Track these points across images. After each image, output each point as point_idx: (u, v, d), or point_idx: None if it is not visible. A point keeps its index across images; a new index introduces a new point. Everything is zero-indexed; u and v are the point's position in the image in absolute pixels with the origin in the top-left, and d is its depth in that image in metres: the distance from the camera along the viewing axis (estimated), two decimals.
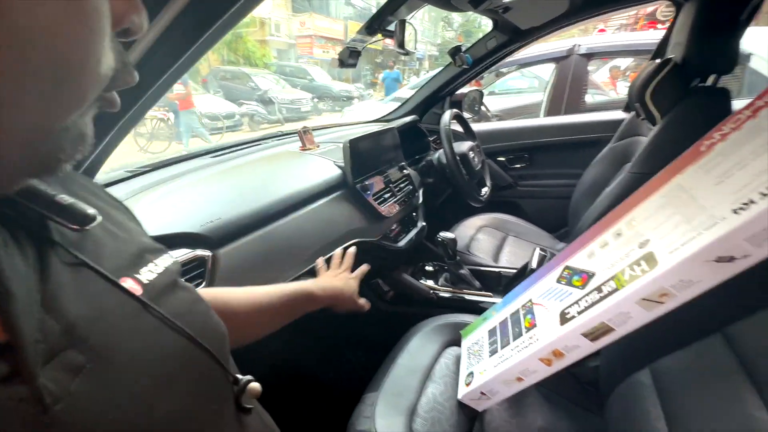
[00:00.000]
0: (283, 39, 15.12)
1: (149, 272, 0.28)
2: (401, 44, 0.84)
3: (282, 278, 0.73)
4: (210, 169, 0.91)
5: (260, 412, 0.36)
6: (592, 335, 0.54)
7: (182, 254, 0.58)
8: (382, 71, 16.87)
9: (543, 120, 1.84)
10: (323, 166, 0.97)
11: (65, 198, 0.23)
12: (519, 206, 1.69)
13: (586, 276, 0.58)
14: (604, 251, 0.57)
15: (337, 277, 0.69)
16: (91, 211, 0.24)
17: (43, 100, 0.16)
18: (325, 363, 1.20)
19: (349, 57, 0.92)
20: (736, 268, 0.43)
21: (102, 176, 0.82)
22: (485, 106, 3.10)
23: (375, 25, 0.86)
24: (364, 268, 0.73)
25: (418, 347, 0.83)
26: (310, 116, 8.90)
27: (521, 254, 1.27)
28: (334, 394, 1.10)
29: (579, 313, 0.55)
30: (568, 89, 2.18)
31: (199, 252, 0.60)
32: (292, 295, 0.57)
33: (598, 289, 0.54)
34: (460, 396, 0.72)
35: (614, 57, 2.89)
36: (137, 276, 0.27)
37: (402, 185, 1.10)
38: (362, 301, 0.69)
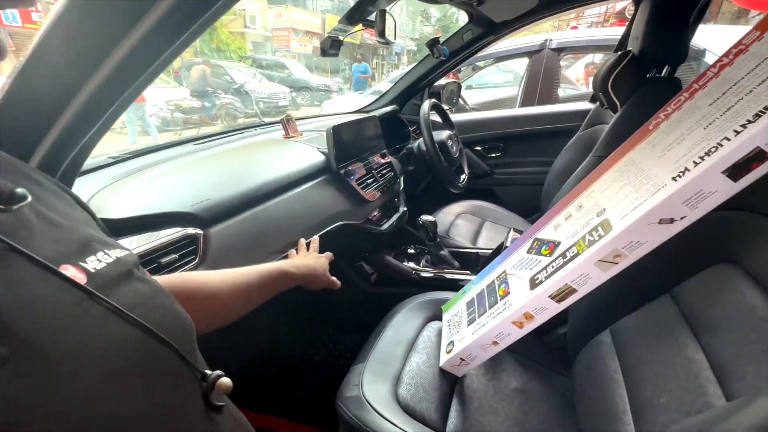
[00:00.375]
0: (259, 31, 14.77)
1: (97, 261, 0.26)
2: (381, 33, 0.88)
3: (270, 257, 0.76)
4: (195, 155, 0.92)
5: (233, 409, 0.34)
6: (558, 297, 0.60)
7: (174, 232, 0.60)
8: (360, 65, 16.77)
9: (517, 111, 1.92)
10: (307, 152, 0.99)
11: None
12: (495, 193, 1.77)
13: (553, 245, 0.64)
14: (568, 222, 0.64)
15: (308, 256, 0.73)
16: (19, 190, 0.23)
17: None
18: (315, 345, 1.24)
19: (331, 46, 0.94)
20: (675, 228, 0.49)
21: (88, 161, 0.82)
22: (463, 100, 3.18)
23: (356, 14, 0.89)
24: (329, 254, 0.78)
25: (402, 322, 0.88)
26: (288, 110, 8.76)
27: (497, 238, 1.34)
28: (326, 374, 1.14)
29: (546, 277, 0.60)
30: (541, 82, 2.28)
31: (191, 230, 0.62)
32: (269, 274, 0.59)
33: (563, 255, 0.60)
34: (441, 363, 0.77)
35: (583, 52, 3.01)
36: (82, 264, 0.25)
37: (384, 172, 1.15)
38: (334, 278, 0.74)
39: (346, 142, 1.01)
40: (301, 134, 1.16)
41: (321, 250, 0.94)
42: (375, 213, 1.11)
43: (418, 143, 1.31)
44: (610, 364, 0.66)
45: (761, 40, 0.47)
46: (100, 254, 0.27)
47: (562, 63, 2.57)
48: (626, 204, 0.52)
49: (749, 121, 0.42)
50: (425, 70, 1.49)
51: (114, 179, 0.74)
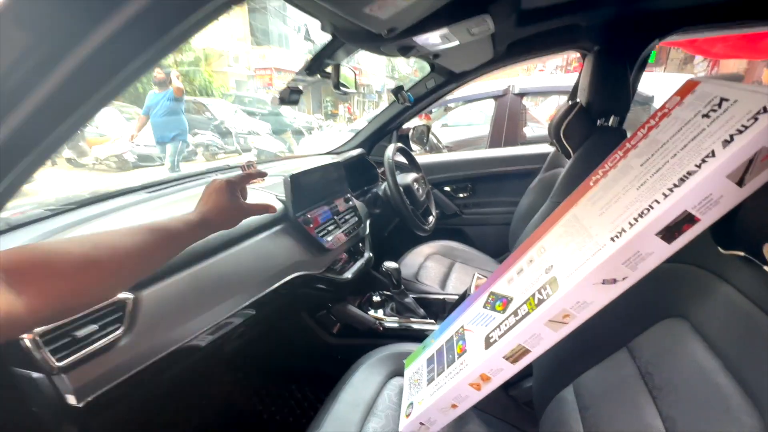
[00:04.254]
0: (242, 70, 15.17)
1: None
2: (336, 85, 0.90)
3: (216, 316, 0.71)
4: (143, 206, 0.88)
5: None
6: (512, 357, 0.57)
7: None
8: (342, 103, 17.32)
9: (483, 152, 1.98)
10: (265, 200, 0.97)
11: None
12: (465, 233, 1.77)
13: (506, 301, 0.62)
14: (520, 277, 0.62)
15: (213, 191, 0.62)
16: None
17: None
18: (271, 399, 1.15)
19: (291, 95, 0.95)
20: (619, 288, 0.48)
21: (19, 215, 0.76)
22: (437, 138, 3.28)
23: (314, 66, 0.91)
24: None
25: (362, 380, 0.83)
26: (257, 149, 8.80)
27: (466, 280, 1.32)
28: (289, 429, 1.05)
29: (500, 336, 0.58)
30: (507, 124, 2.38)
31: (120, 295, 0.57)
32: (166, 228, 0.51)
33: (515, 313, 0.57)
34: (400, 429, 0.72)
35: (543, 96, 3.20)
36: None
37: (347, 217, 1.13)
38: (260, 203, 0.66)
39: (307, 189, 1.00)
40: (263, 179, 1.14)
41: (279, 304, 0.89)
42: (340, 259, 1.08)
43: (384, 186, 1.31)
44: (574, 426, 0.63)
45: (681, 105, 0.49)
46: None
47: (531, 103, 2.71)
48: (571, 262, 0.51)
49: (675, 185, 0.42)
50: (392, 115, 1.52)
51: (48, 234, 0.69)
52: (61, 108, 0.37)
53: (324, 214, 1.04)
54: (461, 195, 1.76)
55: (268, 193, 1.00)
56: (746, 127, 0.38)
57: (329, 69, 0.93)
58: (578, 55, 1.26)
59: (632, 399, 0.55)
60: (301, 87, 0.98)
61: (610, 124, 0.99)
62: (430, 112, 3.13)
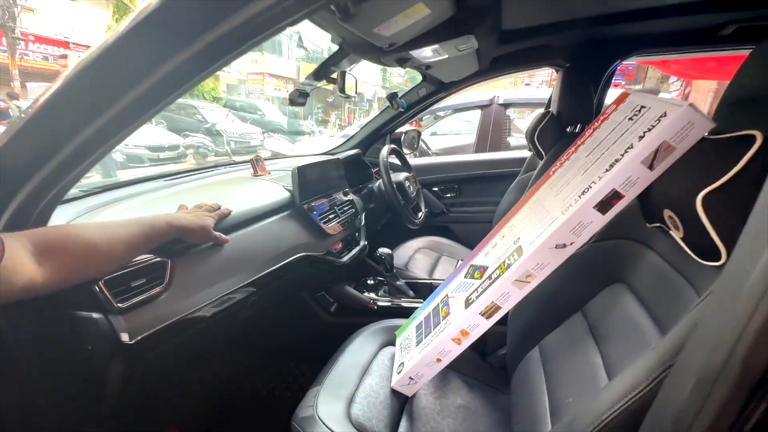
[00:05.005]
0: (234, 75, 15.23)
1: None
2: (342, 90, 1.02)
3: (233, 285, 0.81)
4: (164, 191, 0.99)
5: None
6: (487, 313, 0.70)
7: (145, 258, 0.65)
8: (333, 110, 17.47)
9: (469, 156, 2.14)
10: (273, 189, 1.08)
11: None
12: (451, 230, 1.91)
13: (483, 269, 0.75)
14: (495, 250, 0.75)
15: (192, 213, 0.76)
16: None
17: None
18: (275, 380, 1.24)
19: (299, 97, 1.07)
20: (568, 251, 0.62)
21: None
22: (426, 145, 3.43)
23: (321, 72, 1.04)
24: (222, 211, 0.82)
25: (359, 347, 0.94)
26: (259, 150, 8.87)
27: (451, 270, 1.45)
28: (284, 406, 1.15)
29: (477, 297, 0.71)
30: (491, 132, 2.55)
31: (159, 258, 0.68)
32: (151, 224, 0.63)
33: (489, 278, 0.70)
34: (392, 384, 0.83)
35: (525, 107, 3.40)
36: None
37: (345, 208, 1.25)
38: (218, 234, 0.77)
39: (310, 181, 1.12)
40: (269, 173, 1.25)
41: (284, 281, 1.00)
42: (337, 246, 1.20)
43: (378, 183, 1.44)
44: (537, 375, 0.75)
45: (616, 111, 0.63)
46: None
47: (516, 116, 2.89)
48: (533, 233, 0.65)
49: (607, 170, 0.56)
50: (386, 119, 1.66)
51: (87, 210, 0.79)
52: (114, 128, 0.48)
53: (325, 204, 1.16)
54: (448, 195, 1.90)
55: (275, 183, 1.12)
56: (653, 126, 0.52)
57: (334, 75, 1.05)
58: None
59: (582, 348, 0.68)
60: (308, 90, 1.10)
61: (577, 130, 1.15)
62: (421, 119, 3.29)
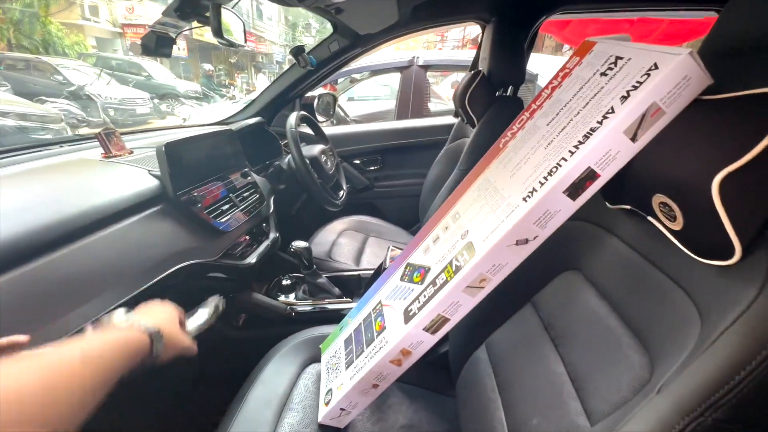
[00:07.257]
0: (105, 26, 12.40)
1: None
2: (216, 32, 0.73)
3: (73, 322, 0.54)
4: None
5: None
6: (432, 328, 0.55)
7: None
8: (239, 73, 15.68)
9: (391, 124, 1.97)
10: (133, 176, 0.77)
11: None
12: (377, 206, 1.76)
13: (424, 271, 0.59)
14: (436, 245, 0.60)
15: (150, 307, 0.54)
16: None
17: None
18: (174, 409, 0.98)
19: (158, 43, 0.75)
20: (530, 248, 0.49)
21: None
22: (344, 111, 3.17)
23: (187, 7, 0.73)
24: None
25: (273, 373, 0.75)
26: (149, 119, 7.55)
27: (380, 254, 1.30)
28: None
29: (419, 308, 0.55)
30: (413, 96, 2.40)
31: None
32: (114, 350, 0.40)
33: (433, 283, 0.55)
34: (320, 419, 0.66)
35: (447, 70, 3.32)
36: None
37: (246, 194, 0.98)
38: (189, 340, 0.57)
39: (189, 162, 0.83)
40: (131, 152, 0.91)
41: (171, 298, 0.73)
42: (241, 243, 0.94)
43: (288, 159, 1.19)
44: (488, 383, 0.65)
45: (581, 65, 0.50)
46: None
47: (431, 80, 2.78)
48: (486, 226, 0.50)
49: (580, 143, 0.43)
50: (293, 80, 1.38)
51: None
52: None
53: (216, 192, 0.89)
54: (371, 168, 1.72)
55: (136, 167, 0.80)
56: (640, 83, 0.39)
57: (207, 13, 0.75)
58: (474, 36, 1.29)
59: (538, 350, 0.59)
60: (171, 34, 0.78)
61: (508, 93, 1.04)
62: (336, 83, 2.99)
